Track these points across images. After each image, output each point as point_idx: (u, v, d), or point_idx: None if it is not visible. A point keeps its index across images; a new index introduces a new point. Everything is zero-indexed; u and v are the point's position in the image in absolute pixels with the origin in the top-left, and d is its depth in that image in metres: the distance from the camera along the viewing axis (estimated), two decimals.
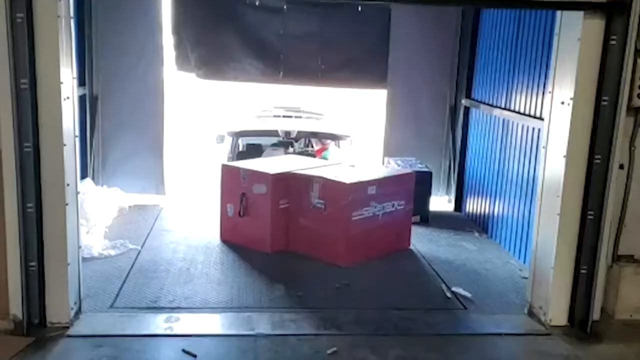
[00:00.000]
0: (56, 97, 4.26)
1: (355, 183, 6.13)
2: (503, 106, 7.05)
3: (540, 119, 6.02)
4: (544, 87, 5.94)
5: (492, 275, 6.10)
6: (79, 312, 4.74)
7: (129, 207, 7.78)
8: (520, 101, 6.57)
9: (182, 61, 8.37)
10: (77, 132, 4.64)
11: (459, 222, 7.97)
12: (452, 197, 8.62)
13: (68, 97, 4.41)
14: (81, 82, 7.80)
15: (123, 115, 8.25)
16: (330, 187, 6.13)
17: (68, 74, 4.41)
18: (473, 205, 8.00)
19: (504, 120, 7.03)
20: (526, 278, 5.83)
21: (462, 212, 8.36)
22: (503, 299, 5.48)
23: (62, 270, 4.49)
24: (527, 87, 6.38)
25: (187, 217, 7.69)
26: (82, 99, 7.82)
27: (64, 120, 4.34)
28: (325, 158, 8.67)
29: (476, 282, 5.86)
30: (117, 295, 5.25)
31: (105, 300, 5.13)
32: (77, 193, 4.69)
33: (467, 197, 8.26)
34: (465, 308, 5.29)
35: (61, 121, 4.31)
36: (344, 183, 6.08)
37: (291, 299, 5.35)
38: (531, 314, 5.05)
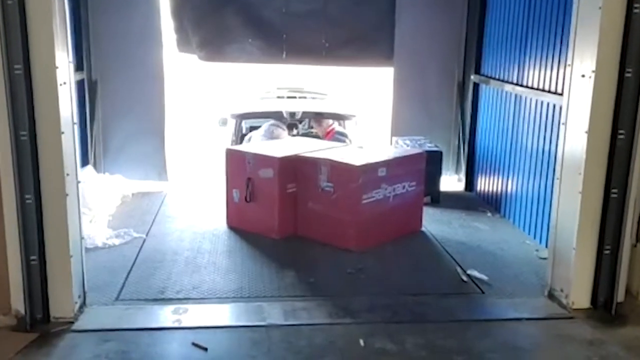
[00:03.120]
0: (52, 82, 4.05)
1: (365, 165, 5.93)
2: (515, 81, 6.82)
3: (556, 93, 5.81)
4: (560, 59, 5.72)
5: (508, 256, 5.92)
6: (83, 305, 4.58)
7: (132, 194, 7.58)
8: (534, 76, 6.33)
9: (183, 44, 8.14)
10: (76, 119, 4.42)
11: (471, 201, 7.78)
12: (463, 176, 8.41)
13: (65, 82, 4.20)
14: (79, 67, 7.60)
15: (123, 100, 8.04)
16: (339, 169, 5.93)
17: (64, 58, 4.20)
18: (484, 184, 7.80)
19: (516, 95, 6.80)
20: (543, 258, 5.67)
21: (473, 191, 8.16)
22: (521, 281, 5.30)
23: (65, 263, 4.32)
24: (542, 60, 6.14)
25: (192, 204, 7.51)
26: (80, 84, 7.62)
27: (61, 107, 4.12)
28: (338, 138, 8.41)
29: (492, 264, 5.68)
30: (123, 286, 5.08)
31: (111, 292, 4.96)
32: (78, 183, 4.49)
33: (478, 176, 8.06)
34: (483, 292, 5.11)
35: (58, 108, 4.10)
36: (353, 165, 5.88)
37: (302, 286, 5.17)
38: (551, 296, 4.87)
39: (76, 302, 4.45)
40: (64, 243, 4.28)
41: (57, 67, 4.06)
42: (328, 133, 8.61)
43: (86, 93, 7.75)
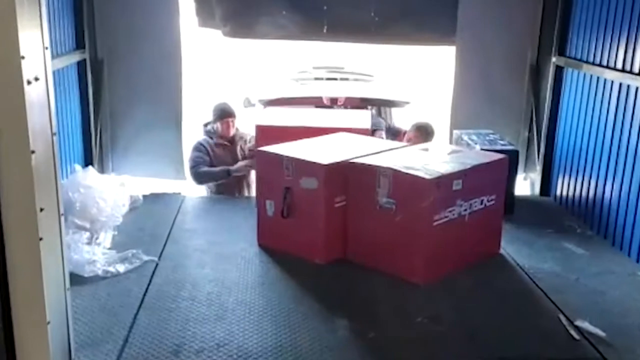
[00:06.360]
0: (15, 80, 2.75)
1: (439, 177, 4.59)
2: (620, 67, 5.42)
3: None
4: None
5: (619, 296, 4.57)
6: None
7: (143, 197, 6.31)
8: None
9: (205, 17, 6.83)
10: (56, 129, 3.14)
11: (551, 211, 6.42)
12: (537, 176, 7.05)
13: (37, 78, 2.91)
14: (79, 45, 6.34)
15: (134, 83, 6.84)
16: (403, 182, 4.62)
17: (35, 43, 2.91)
18: (567, 188, 6.44)
19: (621, 85, 5.41)
20: None
21: (551, 196, 6.82)
22: None
23: (40, 330, 3.07)
24: None
25: (215, 210, 6.27)
26: (81, 65, 6.38)
27: (30, 114, 2.84)
28: None
29: (603, 309, 4.35)
30: (126, 342, 3.84)
31: (109, 351, 3.73)
32: (61, 216, 3.23)
33: (557, 178, 6.70)
34: (604, 357, 3.80)
35: (25, 116, 2.82)
36: (423, 178, 4.55)
37: (360, 344, 3.90)
38: None
39: None
40: (38, 305, 3.04)
41: (22, 58, 2.77)
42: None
43: (89, 76, 6.47)
